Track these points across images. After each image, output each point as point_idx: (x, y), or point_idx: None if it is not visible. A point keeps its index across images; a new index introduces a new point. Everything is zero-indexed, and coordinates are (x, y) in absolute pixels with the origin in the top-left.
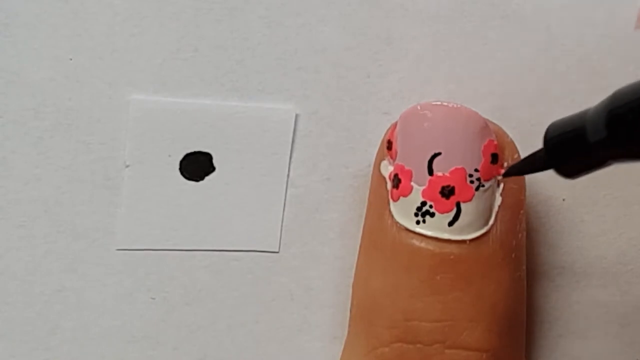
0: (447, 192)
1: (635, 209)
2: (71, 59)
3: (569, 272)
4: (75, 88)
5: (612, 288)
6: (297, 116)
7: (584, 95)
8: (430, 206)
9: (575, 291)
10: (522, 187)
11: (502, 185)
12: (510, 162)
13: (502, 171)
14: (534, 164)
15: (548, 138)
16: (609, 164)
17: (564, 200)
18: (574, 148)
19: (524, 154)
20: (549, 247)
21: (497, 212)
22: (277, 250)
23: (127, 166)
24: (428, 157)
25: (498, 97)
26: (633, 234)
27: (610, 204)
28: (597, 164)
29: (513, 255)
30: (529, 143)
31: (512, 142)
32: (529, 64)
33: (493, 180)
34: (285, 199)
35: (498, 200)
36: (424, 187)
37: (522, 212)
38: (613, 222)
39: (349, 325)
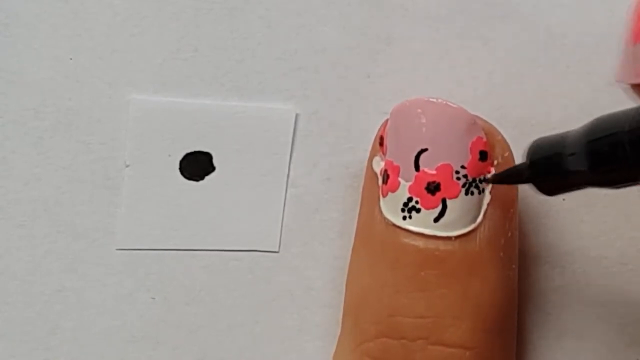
0: (432, 188)
1: (635, 209)
2: (71, 59)
3: (569, 272)
4: (75, 88)
5: (612, 288)
6: (297, 116)
7: (584, 95)
8: (416, 202)
9: (575, 291)
10: (514, 186)
11: None
12: (500, 160)
13: (492, 169)
14: (516, 176)
15: (531, 158)
16: (587, 188)
17: (564, 200)
18: (555, 172)
19: (522, 153)
20: (549, 247)
21: (486, 209)
22: (277, 250)
23: (127, 166)
24: (415, 153)
25: (498, 97)
26: (633, 234)
27: (610, 204)
28: (576, 187)
29: (501, 254)
30: (528, 143)
31: (503, 139)
32: (529, 64)
33: (482, 177)
34: (285, 199)
35: (487, 197)
36: (410, 183)
37: (512, 210)
38: (613, 222)
39: (341, 322)
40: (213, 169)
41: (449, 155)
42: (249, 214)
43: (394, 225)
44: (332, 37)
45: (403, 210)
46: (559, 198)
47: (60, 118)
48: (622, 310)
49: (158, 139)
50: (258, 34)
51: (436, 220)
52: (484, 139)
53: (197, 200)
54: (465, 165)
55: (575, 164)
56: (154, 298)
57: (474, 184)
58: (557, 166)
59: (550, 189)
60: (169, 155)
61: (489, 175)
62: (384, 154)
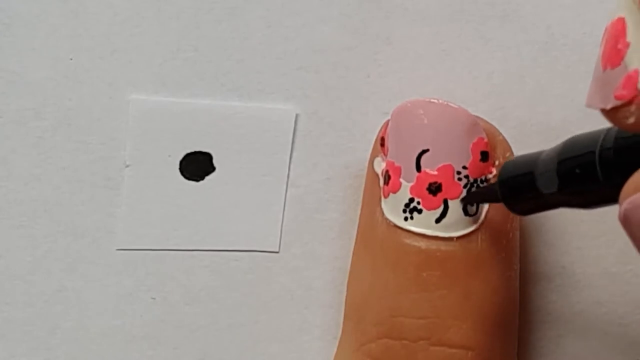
0: (434, 188)
1: None
2: (71, 59)
3: (569, 272)
4: (75, 88)
5: (612, 288)
6: (297, 116)
7: (584, 95)
8: (418, 203)
9: (575, 291)
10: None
11: None
12: (502, 160)
13: (493, 169)
14: (489, 196)
15: (502, 179)
16: (559, 208)
17: None
18: (526, 193)
19: (522, 153)
20: (549, 247)
21: (488, 210)
22: (277, 250)
23: (127, 166)
24: (416, 154)
25: (498, 97)
26: None
27: None
28: (549, 207)
29: (503, 255)
30: (528, 143)
31: (504, 140)
32: (529, 64)
33: (483, 178)
34: (285, 199)
35: None
36: (412, 184)
37: None
38: (613, 222)
39: (343, 324)
40: (213, 169)
41: (450, 156)
42: (249, 214)
43: (396, 226)
44: (332, 37)
45: (404, 211)
46: None
47: (60, 118)
48: (622, 310)
49: (158, 139)
50: (258, 34)
51: (438, 221)
52: (485, 140)
53: (197, 200)
54: (467, 165)
55: (546, 185)
56: (154, 298)
57: (475, 185)
58: (527, 186)
59: (522, 209)
60: (169, 155)
61: (493, 169)
62: (385, 154)
